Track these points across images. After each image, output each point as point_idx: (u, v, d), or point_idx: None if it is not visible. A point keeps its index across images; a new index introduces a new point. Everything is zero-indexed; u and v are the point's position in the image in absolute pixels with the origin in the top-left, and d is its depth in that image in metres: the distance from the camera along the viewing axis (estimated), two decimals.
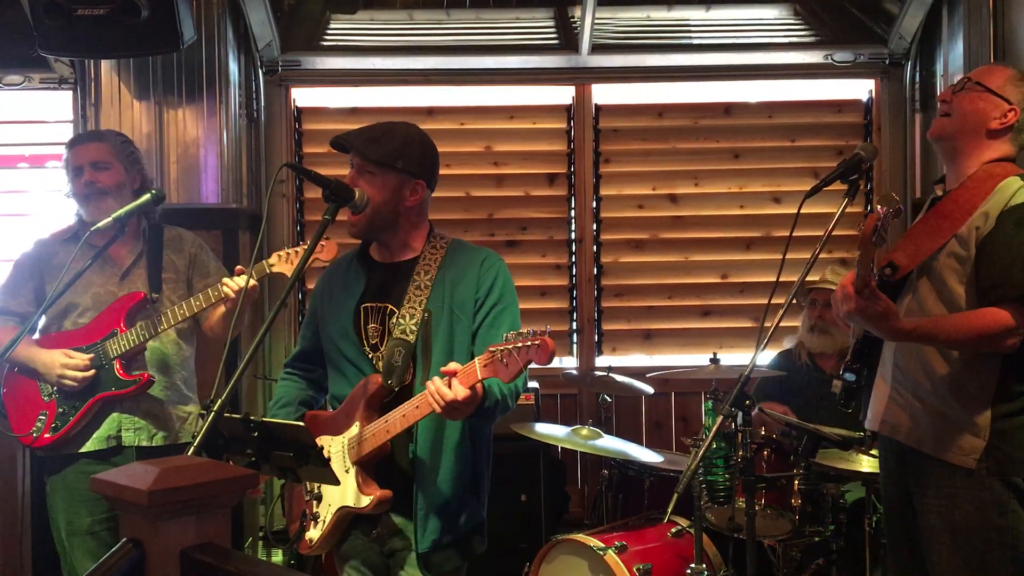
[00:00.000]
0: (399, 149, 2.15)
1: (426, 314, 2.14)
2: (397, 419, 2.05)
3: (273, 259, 2.64)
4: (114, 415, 2.77)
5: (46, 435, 2.72)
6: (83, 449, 2.75)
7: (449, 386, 1.92)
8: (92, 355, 2.73)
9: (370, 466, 2.13)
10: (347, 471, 2.12)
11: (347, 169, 2.21)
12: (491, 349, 1.90)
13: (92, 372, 2.70)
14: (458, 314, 2.16)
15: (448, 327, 2.14)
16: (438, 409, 1.94)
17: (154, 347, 2.83)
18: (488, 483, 2.27)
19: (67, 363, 2.70)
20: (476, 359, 1.93)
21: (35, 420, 2.74)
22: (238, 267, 2.66)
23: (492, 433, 2.30)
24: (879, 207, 1.96)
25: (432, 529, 2.11)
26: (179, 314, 2.71)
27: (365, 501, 2.08)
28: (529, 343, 1.85)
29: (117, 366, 2.74)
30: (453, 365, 1.96)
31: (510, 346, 1.86)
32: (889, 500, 2.40)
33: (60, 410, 2.73)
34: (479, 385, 1.95)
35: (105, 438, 2.76)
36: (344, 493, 2.12)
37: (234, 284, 2.57)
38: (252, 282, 2.44)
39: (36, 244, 2.92)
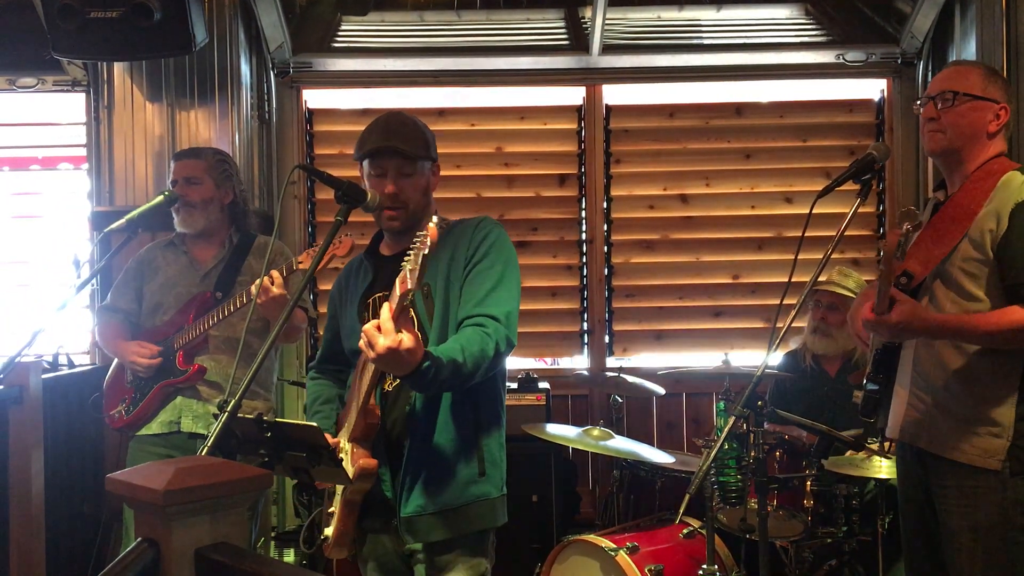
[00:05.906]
0: (423, 138, 2.17)
1: (424, 288, 2.10)
2: (364, 384, 2.00)
3: (302, 257, 2.71)
4: (177, 401, 2.96)
5: (124, 417, 2.99)
6: (147, 432, 2.96)
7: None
8: (162, 347, 2.94)
9: (365, 444, 2.06)
10: (345, 454, 2.06)
11: (357, 171, 2.21)
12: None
13: (158, 360, 2.93)
14: (452, 280, 2.10)
15: (444, 298, 2.09)
16: (370, 354, 1.80)
17: (228, 339, 2.96)
18: (497, 458, 2.15)
19: (137, 351, 2.94)
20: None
21: (118, 404, 3.02)
22: (274, 270, 2.76)
23: (502, 410, 2.20)
24: (903, 224, 1.96)
25: (417, 493, 2.03)
26: (224, 311, 2.85)
27: (351, 471, 1.99)
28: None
29: (179, 356, 2.94)
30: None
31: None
32: (907, 502, 2.38)
33: (135, 396, 2.98)
34: (403, 335, 1.78)
35: (167, 423, 2.95)
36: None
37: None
38: (279, 280, 2.62)
39: (144, 249, 3.14)
